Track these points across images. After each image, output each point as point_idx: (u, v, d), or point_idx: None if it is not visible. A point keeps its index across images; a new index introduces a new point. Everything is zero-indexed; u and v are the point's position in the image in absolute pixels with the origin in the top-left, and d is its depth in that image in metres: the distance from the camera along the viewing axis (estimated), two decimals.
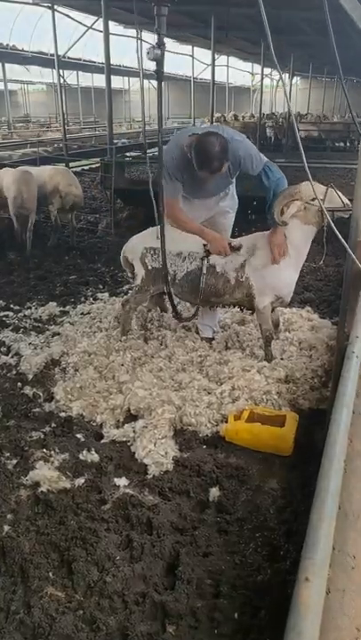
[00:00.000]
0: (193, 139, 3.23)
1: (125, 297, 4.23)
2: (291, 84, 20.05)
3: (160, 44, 2.54)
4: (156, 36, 2.57)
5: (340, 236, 2.65)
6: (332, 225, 2.71)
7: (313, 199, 3.23)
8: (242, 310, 4.32)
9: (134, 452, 2.80)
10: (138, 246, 3.69)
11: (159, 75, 2.63)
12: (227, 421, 2.97)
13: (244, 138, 3.45)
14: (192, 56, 18.57)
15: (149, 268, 3.66)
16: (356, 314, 2.63)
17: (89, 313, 4.57)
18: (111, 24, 9.71)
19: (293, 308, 4.43)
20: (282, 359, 3.61)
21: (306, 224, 3.35)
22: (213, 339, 3.95)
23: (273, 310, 3.70)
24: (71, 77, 22.20)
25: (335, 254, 5.29)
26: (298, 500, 2.40)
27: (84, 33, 10.88)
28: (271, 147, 17.52)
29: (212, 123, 14.52)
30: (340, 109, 27.65)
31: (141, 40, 2.64)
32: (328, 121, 19.51)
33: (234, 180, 3.68)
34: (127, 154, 10.05)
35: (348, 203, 3.18)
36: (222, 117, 18.94)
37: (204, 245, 3.54)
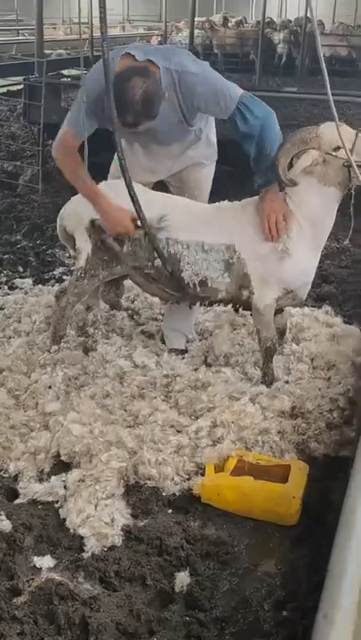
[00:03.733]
0: (122, 66, 3.24)
1: (61, 285, 4.20)
2: None
3: None
4: None
5: None
6: None
7: (336, 148, 3.27)
8: (236, 311, 4.27)
9: (65, 519, 2.79)
10: (82, 211, 3.67)
11: None
12: (203, 474, 2.98)
13: (205, 68, 3.48)
14: None
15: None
16: None
17: (2, 309, 4.55)
18: None
19: (306, 307, 4.48)
20: (287, 382, 3.64)
21: (325, 185, 3.38)
22: (187, 350, 3.97)
23: (281, 312, 3.72)
24: None
25: None
26: (305, 592, 2.42)
27: None
28: (280, 70, 17.75)
29: (192, 29, 14.60)
30: None
31: None
32: None
33: (208, 123, 3.74)
34: (64, 72, 10.02)
35: None
36: (208, 22, 19.04)
37: (92, 222, 3.57)
